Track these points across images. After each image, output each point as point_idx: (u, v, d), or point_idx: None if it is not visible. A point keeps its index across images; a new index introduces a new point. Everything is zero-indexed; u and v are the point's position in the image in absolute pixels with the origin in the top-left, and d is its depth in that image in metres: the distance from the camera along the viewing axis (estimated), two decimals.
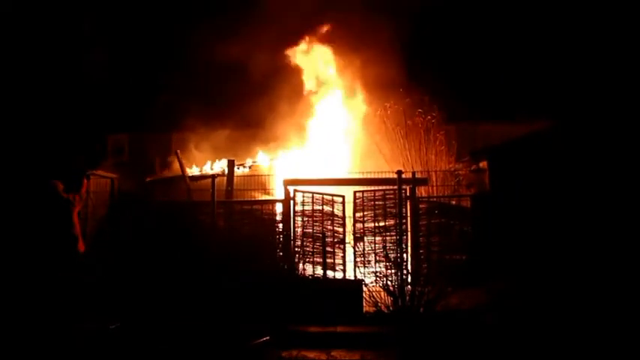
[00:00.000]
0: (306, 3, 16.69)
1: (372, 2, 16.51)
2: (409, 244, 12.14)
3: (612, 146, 11.41)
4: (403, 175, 12.34)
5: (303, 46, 16.81)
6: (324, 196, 12.59)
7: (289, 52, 16.65)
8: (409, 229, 12.23)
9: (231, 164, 13.85)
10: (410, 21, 16.37)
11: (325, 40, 17.11)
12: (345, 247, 12.37)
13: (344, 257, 12.32)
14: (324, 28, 17.03)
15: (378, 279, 10.84)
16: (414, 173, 12.67)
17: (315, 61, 17.03)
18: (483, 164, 12.53)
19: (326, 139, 15.95)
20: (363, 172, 12.97)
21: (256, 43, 16.53)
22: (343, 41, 17.06)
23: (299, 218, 12.52)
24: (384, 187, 12.47)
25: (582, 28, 17.12)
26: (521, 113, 14.56)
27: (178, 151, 14.87)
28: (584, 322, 8.93)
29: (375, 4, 16.46)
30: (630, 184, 11.14)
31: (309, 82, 16.87)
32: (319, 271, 12.19)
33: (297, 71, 16.79)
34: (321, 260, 12.22)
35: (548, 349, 8.36)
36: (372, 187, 12.55)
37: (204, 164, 15.59)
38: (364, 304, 10.82)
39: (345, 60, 16.97)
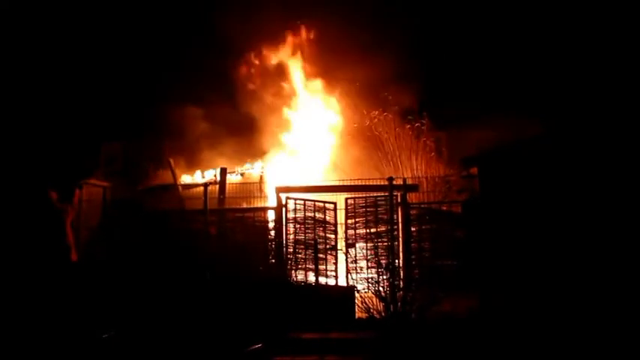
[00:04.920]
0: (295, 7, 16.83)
1: (363, 8, 16.62)
2: (401, 250, 12.18)
3: (603, 153, 11.50)
4: (394, 182, 12.41)
5: (294, 53, 16.92)
6: (316, 203, 12.66)
7: (280, 59, 16.74)
8: (401, 235, 12.27)
9: (223, 172, 13.89)
10: (400, 27, 16.47)
11: (316, 46, 17.23)
12: (337, 253, 12.44)
13: (336, 264, 12.39)
14: (314, 34, 17.15)
15: (370, 285, 10.88)
16: (404, 180, 12.73)
17: (306, 67, 17.15)
18: (474, 170, 12.59)
19: (317, 146, 16.04)
20: (354, 179, 13.01)
21: (247, 51, 16.66)
22: (334, 48, 17.18)
23: (291, 225, 12.57)
24: (375, 194, 12.54)
25: (573, 34, 17.26)
26: (512, 119, 14.64)
27: (171, 159, 14.90)
28: (577, 327, 9.01)
29: (367, 10, 16.57)
30: (618, 188, 11.23)
31: (301, 90, 16.95)
32: (312, 277, 12.24)
33: (288, 79, 16.88)
34: (314, 267, 12.28)
35: (541, 354, 8.44)
36: (364, 194, 12.61)
37: (196, 172, 15.63)
38: (356, 310, 10.90)
39: (336, 67, 17.09)
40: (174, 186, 14.58)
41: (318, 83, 16.97)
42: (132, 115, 17.40)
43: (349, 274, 12.09)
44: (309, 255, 12.38)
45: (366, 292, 10.86)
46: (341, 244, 12.44)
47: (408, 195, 12.56)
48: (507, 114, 14.81)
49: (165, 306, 10.32)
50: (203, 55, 17.79)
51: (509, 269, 10.86)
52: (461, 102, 16.30)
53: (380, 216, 12.42)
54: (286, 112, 16.71)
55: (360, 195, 12.64)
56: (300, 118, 16.72)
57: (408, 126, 14.44)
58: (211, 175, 15.25)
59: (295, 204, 12.64)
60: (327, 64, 16.82)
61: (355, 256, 12.29)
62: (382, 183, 12.60)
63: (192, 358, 9.00)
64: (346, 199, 12.67)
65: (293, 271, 12.21)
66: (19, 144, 14.14)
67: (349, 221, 12.57)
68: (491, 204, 11.76)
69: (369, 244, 12.34)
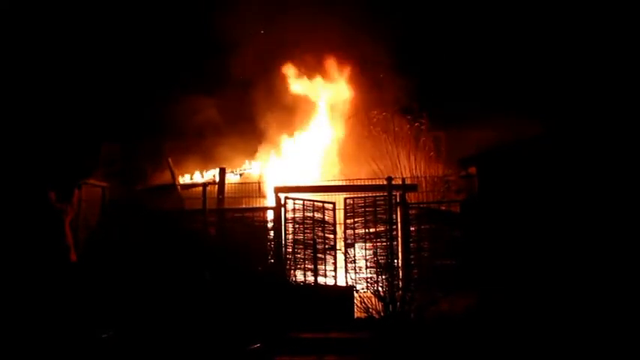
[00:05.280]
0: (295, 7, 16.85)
1: (362, 7, 16.63)
2: (399, 249, 12.19)
3: (601, 153, 11.53)
4: (393, 182, 12.42)
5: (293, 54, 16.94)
6: (315, 203, 12.67)
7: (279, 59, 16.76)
8: (399, 235, 12.29)
9: (222, 172, 13.87)
10: (399, 27, 16.48)
11: (315, 46, 17.24)
12: (336, 253, 12.45)
13: (335, 263, 12.39)
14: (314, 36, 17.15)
15: (369, 285, 10.91)
16: (403, 179, 12.73)
17: (305, 68, 17.17)
18: (472, 170, 12.61)
19: (316, 147, 16.04)
20: (353, 179, 13.03)
21: (246, 52, 16.66)
22: (333, 48, 17.20)
23: (290, 225, 12.59)
24: (374, 194, 12.55)
25: (573, 34, 17.29)
26: (511, 119, 14.65)
27: (170, 159, 14.88)
28: (575, 325, 9.03)
29: (366, 10, 16.58)
30: (616, 188, 11.26)
31: (299, 91, 16.97)
32: (310, 277, 12.25)
33: (287, 80, 16.89)
34: (312, 267, 12.29)
35: (540, 352, 8.46)
36: (363, 194, 12.62)
37: (196, 172, 15.62)
38: (355, 310, 10.91)
39: (335, 67, 17.11)
40: (173, 186, 14.57)
41: (316, 82, 17.01)
42: (131, 115, 17.40)
43: (348, 274, 12.10)
44: (308, 255, 12.39)
45: (365, 291, 10.89)
46: (340, 244, 12.44)
47: (406, 195, 12.57)
48: (507, 114, 14.82)
49: (165, 306, 10.33)
50: (202, 54, 17.82)
51: (508, 269, 10.89)
52: (460, 102, 16.32)
53: (379, 216, 12.42)
54: (286, 112, 16.73)
55: (359, 195, 12.64)
56: (300, 118, 16.74)
57: (407, 126, 14.43)
58: (210, 175, 15.23)
59: (294, 204, 12.66)
60: (324, 62, 16.86)
61: (354, 256, 12.30)
62: (381, 183, 12.61)
63: (192, 358, 9.01)
64: (345, 198, 12.67)
65: (292, 271, 12.22)
66: (18, 144, 14.14)
67: (348, 221, 12.57)
68: (489, 204, 11.79)
69: (368, 244, 12.34)
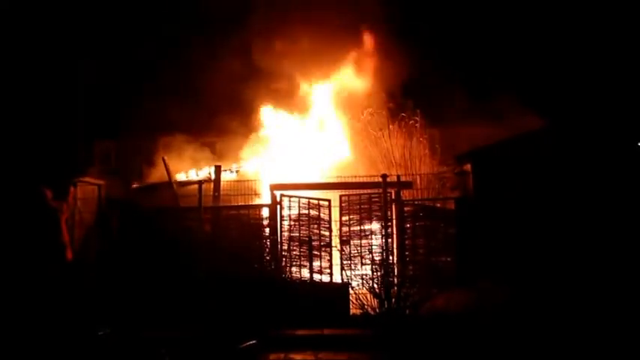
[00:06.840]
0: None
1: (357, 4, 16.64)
2: (395, 246, 12.24)
3: (597, 150, 11.62)
4: (388, 179, 12.45)
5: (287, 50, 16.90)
6: (311, 201, 12.69)
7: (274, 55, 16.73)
8: (395, 232, 12.33)
9: (218, 170, 13.90)
10: (393, 24, 16.50)
11: (310, 43, 17.22)
12: (331, 250, 12.46)
13: (330, 260, 12.42)
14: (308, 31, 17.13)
15: (364, 281, 10.94)
16: (398, 177, 12.77)
17: (300, 66, 17.16)
18: (467, 167, 12.67)
19: (312, 144, 16.06)
20: (348, 177, 13.06)
21: (240, 49, 16.66)
22: (328, 45, 17.19)
23: (286, 222, 12.59)
24: (369, 191, 12.58)
25: (569, 31, 17.36)
26: (506, 116, 14.72)
27: (165, 157, 14.88)
28: (570, 323, 9.10)
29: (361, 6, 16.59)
30: (613, 185, 11.34)
31: (295, 88, 16.97)
32: (306, 274, 12.29)
33: (281, 76, 16.87)
34: (308, 264, 12.33)
35: (534, 350, 8.51)
36: (358, 191, 12.65)
37: (191, 170, 15.63)
38: (351, 307, 10.98)
39: (330, 65, 17.11)
40: (168, 184, 14.57)
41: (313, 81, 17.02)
42: (125, 112, 17.39)
43: (343, 271, 12.11)
44: (304, 252, 12.42)
45: (360, 288, 10.92)
46: (335, 241, 12.47)
47: (401, 192, 12.61)
48: (501, 111, 14.89)
49: (160, 303, 10.36)
50: (196, 51, 17.83)
51: (502, 265, 10.95)
52: (455, 99, 16.38)
53: (374, 213, 12.45)
54: (282, 111, 16.75)
55: (354, 192, 12.67)
56: (297, 117, 16.76)
57: (402, 123, 14.47)
58: (206, 172, 15.23)
59: (290, 201, 12.66)
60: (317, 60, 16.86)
61: (349, 253, 12.33)
62: (376, 180, 12.63)
63: (187, 355, 9.04)
64: (340, 196, 12.69)
65: (287, 268, 12.26)
66: (12, 142, 14.13)
67: (343, 218, 12.60)
68: (484, 200, 11.86)
69: (363, 241, 12.38)
